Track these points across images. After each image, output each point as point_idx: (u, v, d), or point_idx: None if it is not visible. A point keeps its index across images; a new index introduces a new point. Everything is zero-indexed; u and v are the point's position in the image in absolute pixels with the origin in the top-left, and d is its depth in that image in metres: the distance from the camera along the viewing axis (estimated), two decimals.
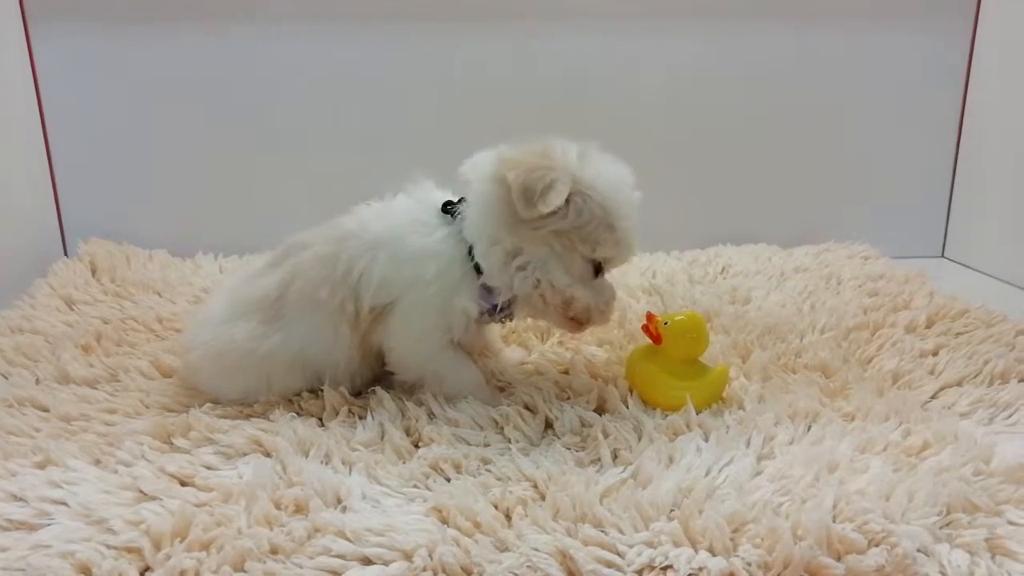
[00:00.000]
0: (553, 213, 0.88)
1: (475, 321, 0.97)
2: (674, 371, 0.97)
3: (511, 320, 1.02)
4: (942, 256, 1.80)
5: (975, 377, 1.04)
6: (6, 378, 1.05)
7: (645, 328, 0.99)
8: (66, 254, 1.65)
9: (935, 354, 1.11)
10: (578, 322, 0.99)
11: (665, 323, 0.97)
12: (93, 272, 1.48)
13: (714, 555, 0.69)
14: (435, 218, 0.96)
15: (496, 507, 0.76)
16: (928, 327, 1.21)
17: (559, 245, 0.92)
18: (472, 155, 0.96)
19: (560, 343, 1.17)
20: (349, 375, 1.00)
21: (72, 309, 1.32)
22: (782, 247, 1.70)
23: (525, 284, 0.94)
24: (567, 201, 0.89)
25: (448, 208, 0.96)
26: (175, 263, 1.58)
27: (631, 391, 0.99)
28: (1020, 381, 1.03)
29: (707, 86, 1.70)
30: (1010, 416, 0.95)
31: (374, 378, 1.02)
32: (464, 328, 0.96)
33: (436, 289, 0.93)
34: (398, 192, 1.02)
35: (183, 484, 0.81)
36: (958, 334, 1.18)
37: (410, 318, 0.94)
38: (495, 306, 0.96)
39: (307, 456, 0.85)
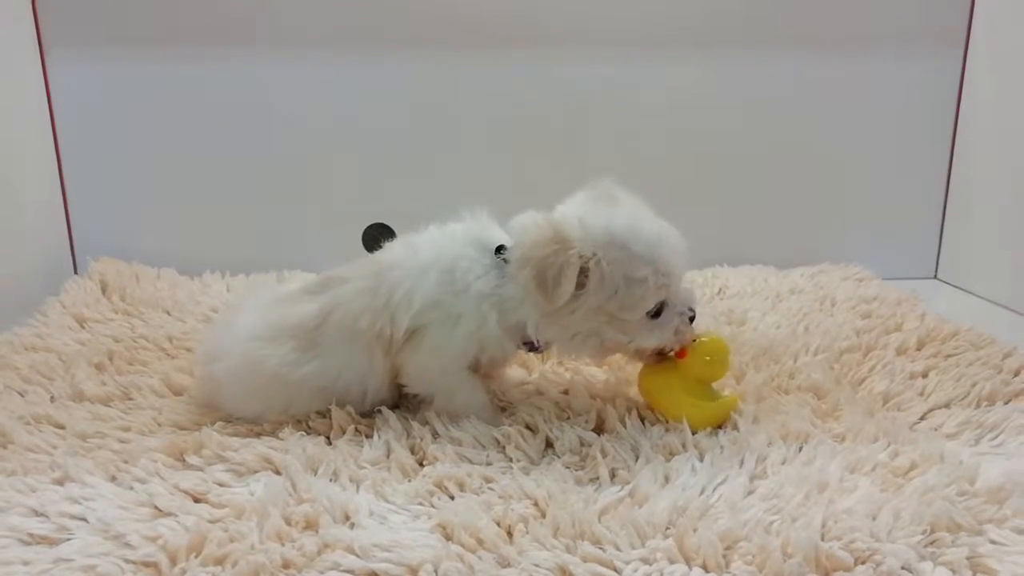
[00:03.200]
0: (577, 296, 0.90)
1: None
2: (688, 388, 0.99)
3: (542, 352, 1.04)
4: (935, 277, 1.83)
5: (963, 399, 1.07)
6: (22, 396, 1.08)
7: None
8: (76, 272, 1.68)
9: (925, 376, 1.14)
10: (658, 352, 1.00)
11: (692, 340, 0.99)
12: (103, 290, 1.51)
13: (707, 571, 0.72)
14: (488, 258, 0.97)
15: (498, 524, 0.78)
16: (918, 349, 1.24)
17: (604, 316, 0.93)
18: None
19: (560, 363, 1.20)
20: (373, 402, 1.02)
21: (84, 327, 1.35)
22: (778, 268, 1.73)
23: (587, 347, 0.96)
24: (587, 276, 0.89)
25: (500, 251, 0.96)
26: (183, 282, 1.61)
27: (629, 412, 1.01)
28: (1006, 403, 1.06)
29: (704, 111, 1.74)
30: (996, 437, 0.97)
31: (393, 403, 1.04)
32: (494, 361, 1.00)
33: (487, 327, 0.95)
34: (415, 220, 1.04)
35: (196, 501, 0.83)
36: (948, 356, 1.21)
37: (447, 342, 0.96)
38: (532, 344, 0.99)
39: (316, 474, 0.87)
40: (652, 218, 0.95)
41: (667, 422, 0.99)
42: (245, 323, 1.03)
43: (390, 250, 1.03)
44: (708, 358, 0.99)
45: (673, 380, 1.00)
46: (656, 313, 0.95)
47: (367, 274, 1.00)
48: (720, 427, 0.99)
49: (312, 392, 1.00)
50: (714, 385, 1.02)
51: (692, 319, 0.98)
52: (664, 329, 0.96)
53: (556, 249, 0.89)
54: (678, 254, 0.95)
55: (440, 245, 0.99)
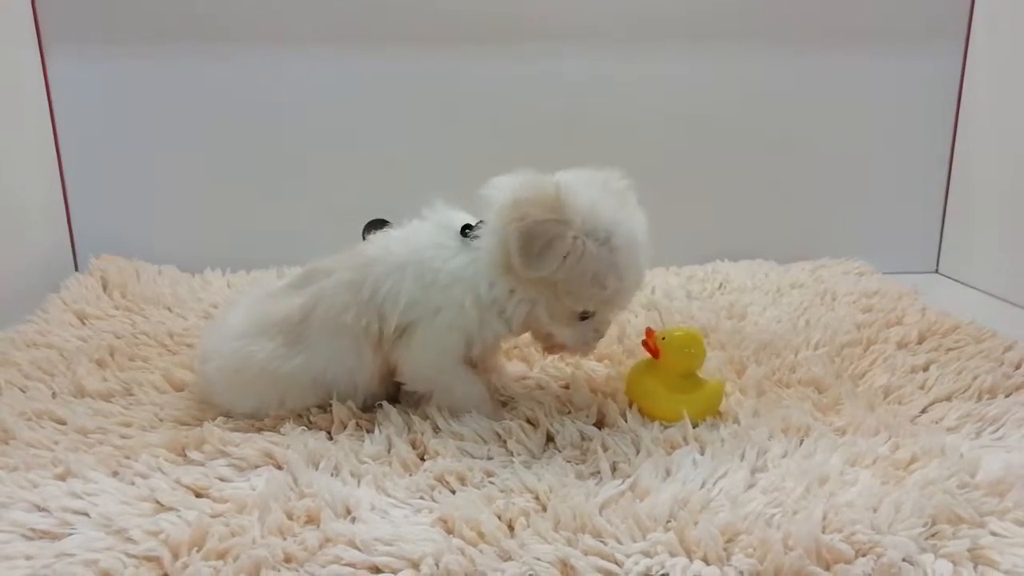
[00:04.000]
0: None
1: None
2: (672, 385, 1.00)
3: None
4: (936, 272, 1.83)
5: (964, 392, 1.07)
6: (24, 392, 1.08)
7: (644, 343, 1.02)
8: (77, 269, 1.68)
9: (925, 369, 1.14)
10: (558, 347, 1.02)
11: (663, 338, 1.01)
12: (104, 287, 1.51)
13: (708, 564, 0.72)
14: (455, 241, 0.98)
15: (499, 518, 0.79)
16: (919, 343, 1.24)
17: (547, 291, 0.93)
18: (486, 175, 0.98)
19: (561, 358, 1.20)
20: (364, 396, 1.03)
21: (85, 324, 1.35)
22: (779, 263, 1.73)
23: (519, 311, 0.97)
24: (567, 255, 0.90)
25: (467, 231, 0.98)
26: (184, 278, 1.61)
27: (630, 405, 1.02)
28: (1007, 396, 1.06)
29: (705, 106, 1.74)
30: (997, 430, 0.98)
31: (386, 396, 1.04)
32: (485, 348, 1.00)
33: (464, 314, 0.95)
34: (412, 216, 1.04)
35: (198, 495, 0.83)
36: (948, 350, 1.21)
37: (434, 336, 0.96)
38: None
39: (317, 468, 0.88)
40: (647, 245, 0.95)
41: None
42: (235, 320, 1.03)
43: (373, 243, 1.04)
44: (688, 350, 1.01)
45: (658, 384, 1.00)
46: (584, 316, 0.97)
47: (351, 266, 1.00)
48: (719, 416, 1.00)
49: (304, 386, 1.00)
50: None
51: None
52: (580, 332, 0.98)
53: (555, 220, 0.89)
54: (637, 289, 0.97)
55: (411, 242, 1.00)
